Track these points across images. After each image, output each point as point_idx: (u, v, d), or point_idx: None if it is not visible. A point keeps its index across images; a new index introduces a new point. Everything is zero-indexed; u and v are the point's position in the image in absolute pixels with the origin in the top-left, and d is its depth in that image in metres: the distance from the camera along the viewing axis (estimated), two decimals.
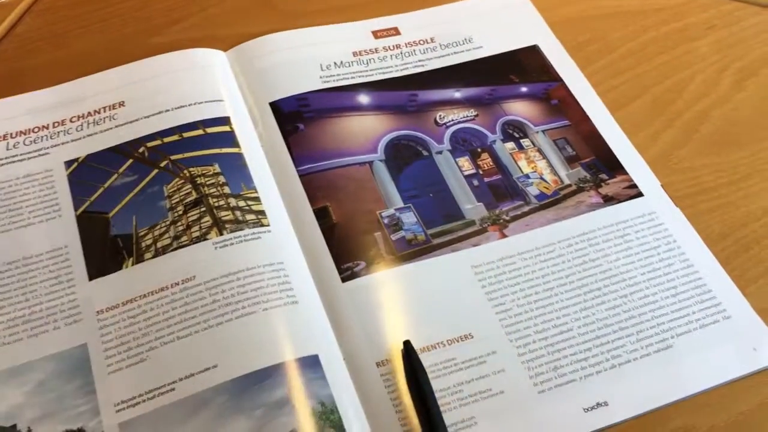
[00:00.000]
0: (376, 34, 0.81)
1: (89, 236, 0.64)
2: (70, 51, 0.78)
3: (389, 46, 0.80)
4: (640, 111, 0.75)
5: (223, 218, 0.64)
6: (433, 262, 0.64)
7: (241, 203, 0.66)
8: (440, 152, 0.72)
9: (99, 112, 0.72)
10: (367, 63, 0.78)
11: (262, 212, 0.65)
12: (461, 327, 0.60)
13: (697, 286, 0.63)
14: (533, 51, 0.80)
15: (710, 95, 0.76)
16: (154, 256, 0.62)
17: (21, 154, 0.69)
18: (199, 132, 0.70)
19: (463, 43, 0.81)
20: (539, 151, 0.74)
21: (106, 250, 0.63)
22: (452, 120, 0.74)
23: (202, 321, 0.58)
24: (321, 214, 0.65)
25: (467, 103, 0.76)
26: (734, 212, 0.68)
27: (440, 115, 0.75)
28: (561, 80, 0.78)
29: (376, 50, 0.79)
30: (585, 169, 0.71)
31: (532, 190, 0.70)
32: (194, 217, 0.65)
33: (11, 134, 0.70)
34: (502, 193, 0.70)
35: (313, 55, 0.77)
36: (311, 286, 0.62)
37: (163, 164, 0.68)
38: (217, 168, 0.68)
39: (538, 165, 0.72)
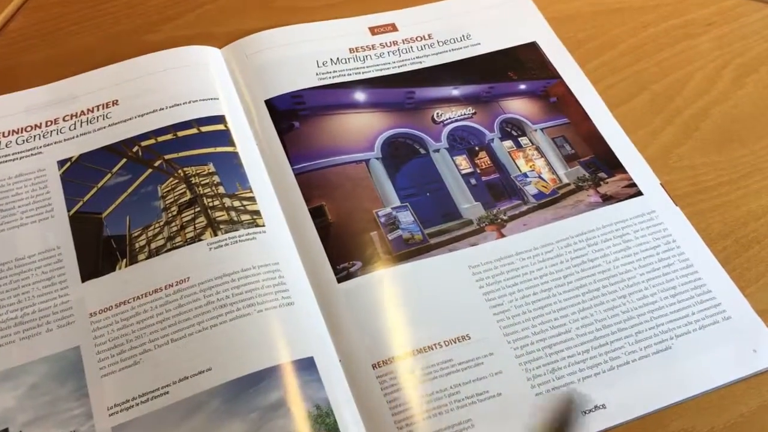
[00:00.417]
0: (373, 31, 0.80)
1: (82, 237, 0.63)
2: (62, 48, 0.77)
3: (386, 43, 0.79)
4: (640, 108, 0.74)
5: (217, 219, 0.64)
6: (431, 262, 0.63)
7: (236, 203, 0.65)
8: (437, 150, 0.72)
9: (92, 111, 0.71)
10: (364, 60, 0.77)
11: (257, 212, 0.64)
12: (458, 328, 0.59)
13: (697, 287, 0.62)
14: (532, 48, 0.79)
15: (710, 92, 0.75)
16: (147, 258, 0.62)
17: (13, 154, 0.68)
18: (194, 131, 0.69)
19: (461, 40, 0.80)
20: (537, 149, 0.73)
21: (99, 251, 0.63)
22: (450, 118, 0.74)
23: (196, 323, 0.58)
24: (317, 214, 0.65)
25: (465, 101, 0.75)
26: (734, 211, 0.67)
27: (438, 113, 0.74)
28: (560, 77, 0.77)
29: (373, 47, 0.78)
30: (584, 167, 0.71)
31: (530, 189, 0.69)
32: (188, 218, 0.64)
33: (3, 133, 0.69)
34: (500, 192, 0.70)
35: (309, 52, 0.77)
36: (307, 287, 0.61)
37: (157, 164, 0.67)
38: (211, 167, 0.68)
39: (537, 164, 0.72)
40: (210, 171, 0.67)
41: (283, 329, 0.58)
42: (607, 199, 0.68)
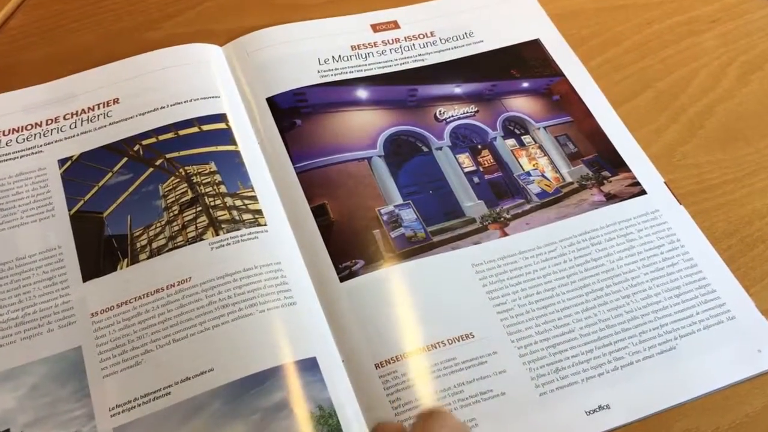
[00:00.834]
0: (375, 28, 0.79)
1: (83, 236, 0.63)
2: (63, 46, 0.77)
3: (388, 40, 0.78)
4: (644, 106, 0.74)
5: (219, 218, 0.63)
6: (433, 261, 0.63)
7: (238, 202, 0.65)
8: (440, 148, 0.71)
9: (93, 109, 0.70)
10: (366, 57, 0.76)
11: (259, 211, 0.64)
12: (462, 326, 0.59)
13: (701, 286, 0.62)
14: (535, 45, 0.79)
15: (715, 90, 0.75)
16: (149, 257, 0.61)
17: (14, 152, 0.68)
18: (195, 129, 0.69)
19: (464, 37, 0.79)
20: (540, 147, 0.73)
21: (100, 250, 0.62)
22: (452, 116, 0.73)
23: (198, 323, 0.58)
24: (319, 212, 0.64)
25: (467, 99, 0.75)
26: (739, 210, 0.67)
27: (440, 111, 0.74)
28: (563, 75, 0.76)
29: (375, 44, 0.78)
30: (587, 166, 0.70)
31: (534, 188, 0.69)
32: (190, 217, 0.64)
33: (3, 132, 0.69)
34: (503, 190, 0.69)
35: (311, 49, 0.76)
36: (309, 286, 0.61)
37: (158, 162, 0.67)
38: (213, 166, 0.67)
39: (540, 162, 0.71)
40: (211, 170, 0.67)
41: (285, 329, 0.57)
42: (611, 198, 0.67)
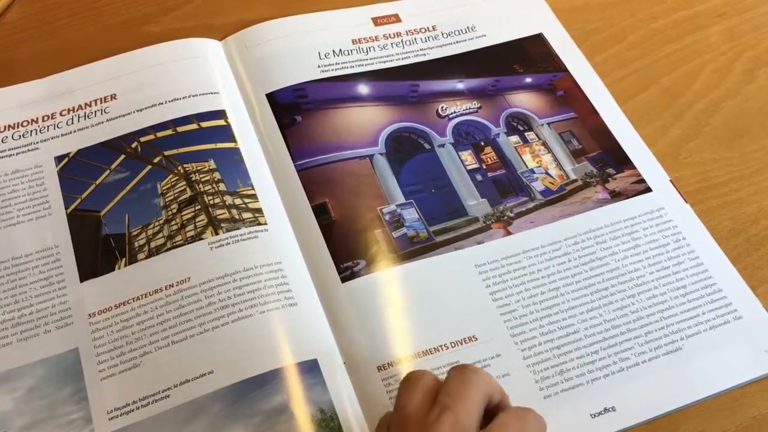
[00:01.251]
0: (376, 21, 0.78)
1: (80, 235, 0.62)
2: (60, 40, 0.76)
3: (390, 34, 0.77)
4: (649, 103, 0.73)
5: (218, 217, 0.63)
6: (436, 261, 0.62)
7: (238, 201, 0.64)
8: (442, 145, 0.70)
9: (90, 105, 0.69)
10: (367, 51, 0.75)
11: (259, 210, 0.63)
12: (465, 329, 0.58)
13: (707, 286, 0.61)
14: (538, 40, 0.78)
15: (721, 86, 0.74)
16: (147, 257, 0.61)
17: (9, 149, 0.67)
18: (194, 126, 0.68)
19: (466, 32, 0.78)
20: (544, 144, 0.72)
21: (97, 250, 0.61)
22: (455, 112, 0.72)
23: (197, 325, 0.57)
24: (320, 211, 0.64)
25: (470, 95, 0.74)
26: (745, 208, 0.66)
27: (442, 107, 0.73)
28: (567, 70, 0.75)
29: (376, 38, 0.77)
30: (591, 163, 0.69)
31: (537, 186, 0.68)
32: (189, 216, 0.63)
33: None
34: (506, 188, 0.68)
35: (312, 43, 0.75)
36: (310, 286, 0.60)
37: (156, 160, 0.66)
38: (212, 164, 0.66)
39: (543, 159, 0.71)
40: (210, 168, 0.66)
41: (286, 331, 0.57)
42: (616, 196, 0.66)
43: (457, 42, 0.78)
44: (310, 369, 0.55)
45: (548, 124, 0.73)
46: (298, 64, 0.73)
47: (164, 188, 0.65)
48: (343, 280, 0.60)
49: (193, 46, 0.73)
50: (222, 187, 0.65)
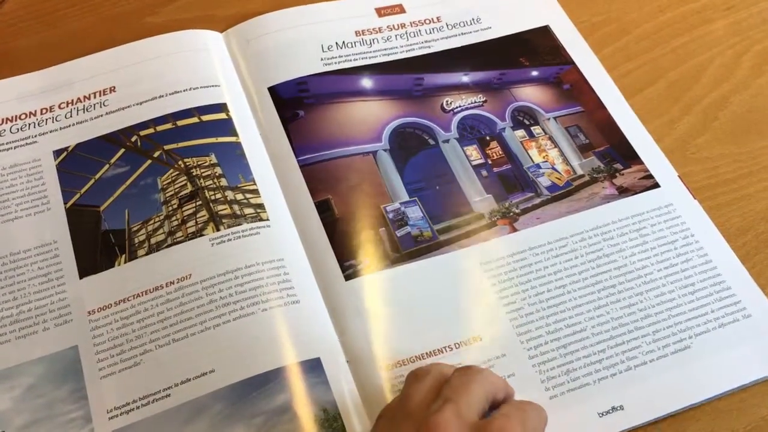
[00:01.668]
0: (380, 12, 0.77)
1: (79, 231, 0.61)
2: (58, 31, 0.75)
3: (394, 25, 0.76)
4: (656, 97, 0.72)
5: (220, 212, 0.62)
6: (440, 260, 0.61)
7: (239, 196, 0.63)
8: (447, 141, 0.69)
9: (89, 98, 0.68)
10: (371, 43, 0.74)
11: (260, 206, 0.62)
12: (470, 328, 0.57)
13: (716, 283, 0.60)
14: (544, 32, 0.77)
15: (729, 80, 0.73)
16: (147, 253, 0.60)
17: (7, 143, 0.66)
18: (195, 120, 0.67)
19: (471, 24, 0.77)
20: (551, 139, 0.71)
21: (97, 246, 0.61)
22: (459, 106, 0.71)
23: (198, 322, 0.56)
24: (323, 208, 0.63)
25: (475, 88, 0.73)
26: (754, 205, 0.65)
27: (447, 101, 0.72)
28: (573, 63, 0.74)
29: (380, 29, 0.76)
30: (599, 158, 0.69)
31: (544, 181, 0.67)
32: (190, 212, 0.62)
33: None
34: (512, 184, 0.67)
35: (314, 35, 0.74)
36: (313, 284, 0.59)
37: (156, 154, 0.65)
38: (213, 158, 0.65)
39: (550, 154, 0.70)
40: (212, 162, 0.65)
41: (288, 329, 0.56)
42: (623, 192, 0.65)
43: (462, 34, 0.77)
44: (313, 368, 0.54)
45: (555, 118, 0.72)
46: (300, 57, 0.72)
47: (165, 183, 0.64)
48: (347, 278, 0.59)
49: (193, 38, 0.72)
50: (223, 182, 0.64)
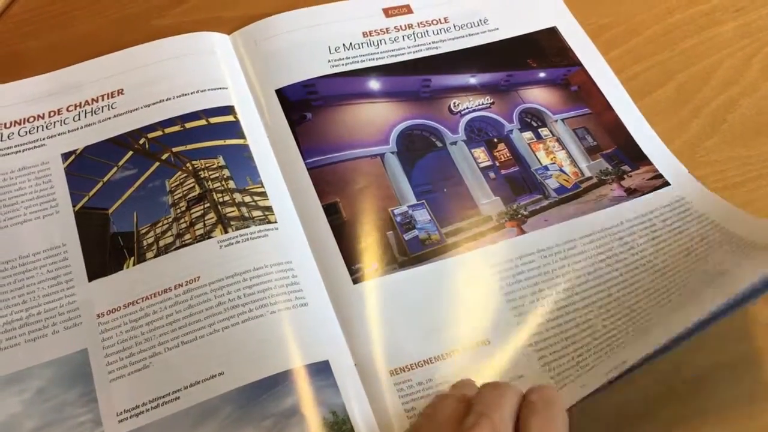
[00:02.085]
0: (387, 12, 0.77)
1: (88, 234, 0.61)
2: (66, 33, 0.75)
3: (401, 26, 0.76)
4: (665, 100, 0.72)
5: (228, 215, 0.62)
6: (448, 263, 0.61)
7: (247, 198, 0.63)
8: (455, 143, 0.69)
9: (97, 101, 0.68)
10: (378, 45, 0.74)
11: (269, 208, 0.62)
12: (478, 332, 0.57)
13: (744, 248, 0.59)
14: (552, 33, 0.77)
15: (738, 83, 0.73)
16: (156, 256, 0.60)
17: (16, 146, 0.66)
18: (202, 122, 0.67)
19: (478, 24, 0.77)
20: (558, 141, 0.71)
21: (106, 248, 0.60)
22: (467, 108, 0.71)
23: (207, 325, 0.56)
24: (331, 211, 0.63)
25: (483, 90, 0.73)
26: (765, 210, 0.64)
27: (454, 103, 0.71)
28: (581, 65, 0.74)
29: (387, 30, 0.76)
30: (607, 160, 0.68)
31: (552, 183, 0.67)
32: (198, 214, 0.62)
33: (5, 124, 0.67)
34: (520, 186, 0.67)
35: (322, 37, 0.74)
36: (321, 287, 0.59)
37: (164, 157, 0.65)
38: (221, 161, 0.65)
39: (558, 156, 0.69)
40: (219, 164, 0.65)
41: (296, 331, 0.56)
42: (632, 193, 0.65)
43: (469, 35, 0.76)
44: (322, 371, 0.54)
45: (562, 119, 0.72)
46: (308, 59, 0.72)
47: (173, 185, 0.64)
48: (355, 281, 0.59)
49: (201, 40, 0.72)
50: (231, 184, 0.64)
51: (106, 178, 0.64)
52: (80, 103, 0.68)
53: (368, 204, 0.64)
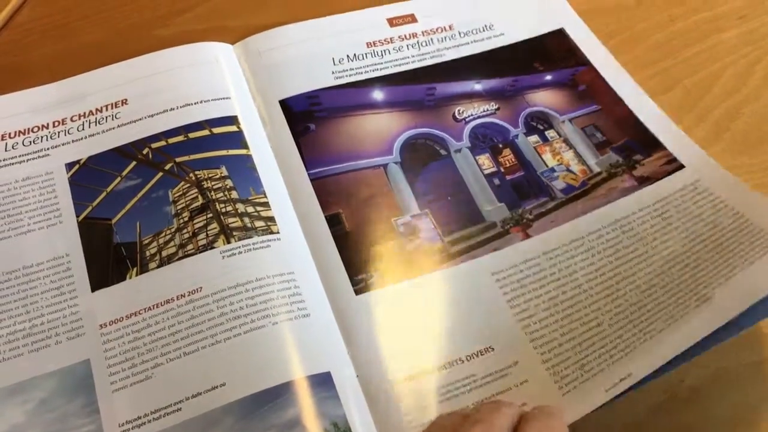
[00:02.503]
0: (392, 22, 0.77)
1: (91, 244, 0.61)
2: (70, 43, 0.75)
3: (405, 35, 0.76)
4: (669, 107, 0.71)
5: (230, 225, 0.62)
6: (451, 272, 0.61)
7: (250, 209, 0.63)
8: (459, 150, 0.69)
9: (101, 111, 0.69)
10: (382, 54, 0.74)
11: (271, 219, 0.62)
12: (481, 339, 0.57)
13: (748, 233, 0.60)
14: (559, 35, 0.77)
15: (742, 90, 0.72)
16: (158, 266, 0.60)
17: (20, 156, 0.66)
18: (206, 132, 0.67)
19: (484, 30, 0.77)
20: (566, 141, 0.71)
21: (109, 259, 0.60)
22: (472, 115, 0.71)
23: (209, 336, 0.56)
24: (333, 222, 0.63)
25: (488, 96, 0.72)
26: None
27: (459, 110, 0.71)
28: (589, 63, 0.75)
29: (392, 40, 0.76)
30: (617, 153, 0.68)
31: (558, 184, 0.67)
32: (200, 224, 0.62)
33: (10, 134, 0.67)
34: (526, 190, 0.67)
35: (326, 48, 0.74)
36: (323, 298, 0.59)
37: (167, 167, 0.65)
38: (224, 171, 0.65)
39: (564, 156, 0.69)
40: (222, 175, 0.65)
41: (298, 342, 0.56)
42: (644, 182, 0.65)
43: (474, 41, 0.77)
44: (323, 382, 0.54)
45: (570, 120, 0.72)
46: (311, 70, 0.72)
47: (176, 196, 0.64)
48: (357, 292, 0.59)
49: (204, 50, 0.72)
50: (234, 194, 0.64)
51: (109, 188, 0.64)
52: (84, 113, 0.69)
53: (371, 214, 0.64)
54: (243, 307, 0.57)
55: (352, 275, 0.60)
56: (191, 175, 0.65)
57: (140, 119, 0.68)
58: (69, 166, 0.65)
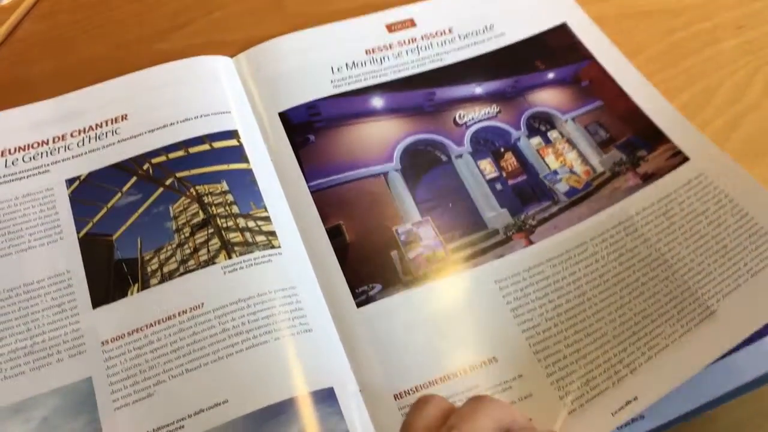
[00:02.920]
0: (391, 28, 0.77)
1: (92, 261, 0.61)
2: (70, 58, 0.75)
3: (404, 41, 0.76)
4: None
5: (232, 240, 0.61)
6: (453, 281, 0.60)
7: (251, 224, 0.62)
8: (460, 156, 0.69)
9: (101, 126, 0.68)
10: (381, 61, 0.74)
11: (272, 233, 0.62)
12: (484, 350, 0.56)
13: (753, 233, 0.59)
14: (561, 30, 0.76)
15: (741, 101, 0.71)
16: (160, 282, 0.59)
17: (20, 172, 0.66)
18: (206, 147, 0.66)
19: (484, 32, 0.77)
20: (568, 141, 0.70)
21: (110, 275, 0.60)
22: (472, 119, 0.71)
23: (211, 352, 0.56)
24: (334, 234, 0.62)
25: (489, 99, 0.72)
26: None
27: (460, 115, 0.71)
28: (592, 57, 0.74)
29: (391, 46, 0.75)
30: (621, 150, 0.68)
31: (561, 187, 0.66)
32: (202, 240, 0.62)
33: (9, 150, 0.67)
34: (528, 195, 0.66)
35: (324, 58, 0.74)
36: (325, 312, 0.59)
37: (168, 182, 0.65)
38: (225, 186, 0.65)
39: (568, 157, 0.69)
40: (223, 189, 0.65)
41: (301, 358, 0.55)
42: (648, 178, 0.65)
43: (474, 43, 0.76)
44: (326, 398, 0.54)
45: (572, 119, 0.71)
46: (310, 80, 0.72)
47: (176, 211, 0.64)
48: (359, 305, 0.58)
49: (204, 64, 0.72)
50: (235, 209, 0.64)
51: (110, 204, 0.64)
52: (84, 128, 0.68)
53: (372, 224, 0.63)
54: (245, 322, 0.57)
55: (354, 288, 0.59)
56: (192, 190, 0.65)
57: (140, 134, 0.67)
58: (69, 182, 0.65)
